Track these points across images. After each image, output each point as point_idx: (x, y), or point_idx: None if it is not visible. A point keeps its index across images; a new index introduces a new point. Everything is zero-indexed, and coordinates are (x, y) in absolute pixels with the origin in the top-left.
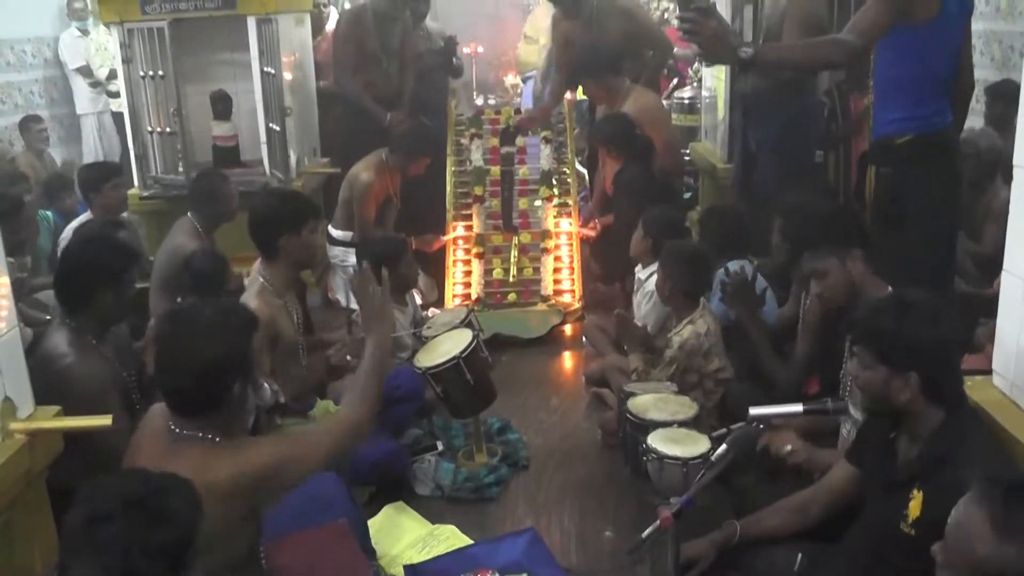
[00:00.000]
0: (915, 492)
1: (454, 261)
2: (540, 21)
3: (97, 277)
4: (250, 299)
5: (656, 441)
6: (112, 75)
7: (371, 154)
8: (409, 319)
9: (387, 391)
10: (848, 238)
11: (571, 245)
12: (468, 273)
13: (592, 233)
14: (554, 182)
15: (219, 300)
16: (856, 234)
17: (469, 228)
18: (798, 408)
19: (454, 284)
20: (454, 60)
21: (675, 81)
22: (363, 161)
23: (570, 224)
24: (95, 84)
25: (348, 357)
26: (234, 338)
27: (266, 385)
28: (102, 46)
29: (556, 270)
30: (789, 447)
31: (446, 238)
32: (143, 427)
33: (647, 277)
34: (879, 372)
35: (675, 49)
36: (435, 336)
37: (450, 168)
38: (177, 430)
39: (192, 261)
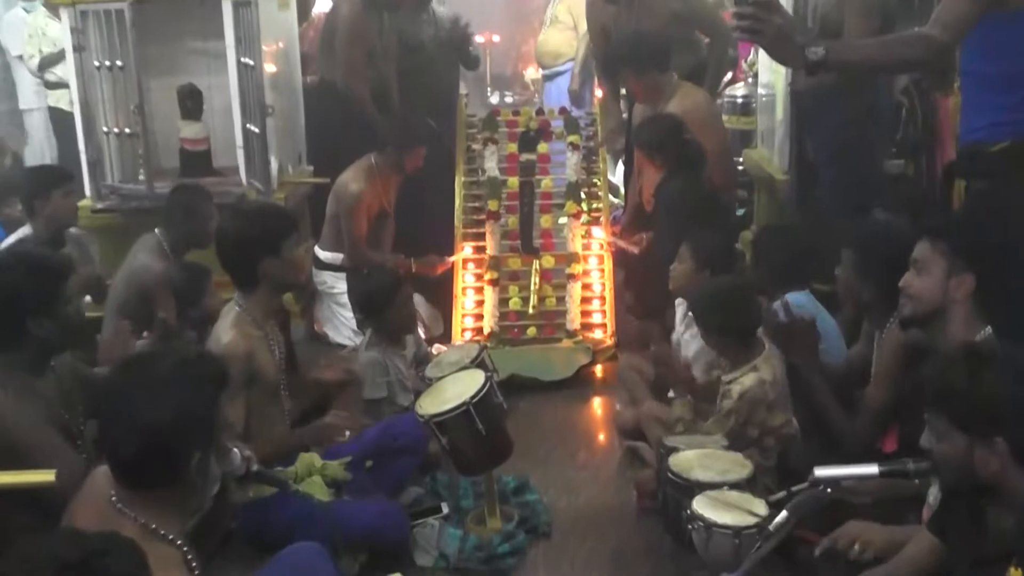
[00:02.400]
0: (1012, 570)
1: (463, 288)
2: (575, 2)
3: (23, 307)
4: (224, 331)
5: (703, 506)
6: (48, 62)
7: (359, 160)
8: (410, 359)
9: (384, 442)
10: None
11: (602, 270)
12: (480, 303)
13: (635, 248)
14: (583, 196)
15: (183, 347)
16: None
17: (481, 249)
18: (873, 469)
19: (463, 316)
20: (468, 50)
21: (728, 76)
22: (350, 169)
23: (602, 246)
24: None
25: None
26: (195, 399)
27: (235, 450)
28: (39, 30)
29: (584, 300)
30: (858, 548)
31: (453, 259)
32: (83, 491)
33: (684, 327)
34: (957, 441)
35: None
36: (441, 378)
37: (459, 178)
38: (118, 503)
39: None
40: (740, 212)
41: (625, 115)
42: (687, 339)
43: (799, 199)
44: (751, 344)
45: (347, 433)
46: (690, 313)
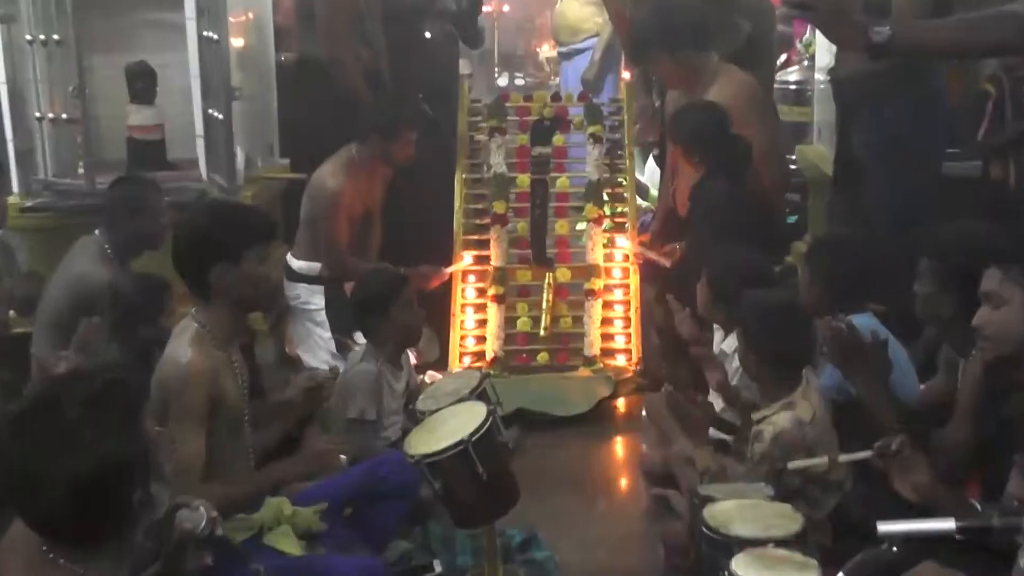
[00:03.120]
0: None
1: (462, 306)
2: None
3: None
4: (182, 349)
5: (744, 566)
6: None
7: (337, 152)
8: (400, 391)
9: (368, 485)
10: None
11: (627, 286)
12: (482, 323)
13: (667, 261)
14: (605, 198)
15: (102, 369)
16: None
17: (484, 259)
18: (949, 524)
19: (462, 337)
20: (472, 23)
21: (781, 58)
22: (328, 162)
23: (628, 258)
24: None
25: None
26: (116, 441)
27: (202, 509)
28: None
29: (606, 321)
30: None
31: (450, 271)
32: (10, 536)
33: (731, 349)
34: None
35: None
36: (435, 411)
37: (459, 175)
38: (49, 552)
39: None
40: (792, 219)
41: (657, 104)
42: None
43: (844, 206)
44: (791, 377)
45: (343, 458)
46: (731, 353)
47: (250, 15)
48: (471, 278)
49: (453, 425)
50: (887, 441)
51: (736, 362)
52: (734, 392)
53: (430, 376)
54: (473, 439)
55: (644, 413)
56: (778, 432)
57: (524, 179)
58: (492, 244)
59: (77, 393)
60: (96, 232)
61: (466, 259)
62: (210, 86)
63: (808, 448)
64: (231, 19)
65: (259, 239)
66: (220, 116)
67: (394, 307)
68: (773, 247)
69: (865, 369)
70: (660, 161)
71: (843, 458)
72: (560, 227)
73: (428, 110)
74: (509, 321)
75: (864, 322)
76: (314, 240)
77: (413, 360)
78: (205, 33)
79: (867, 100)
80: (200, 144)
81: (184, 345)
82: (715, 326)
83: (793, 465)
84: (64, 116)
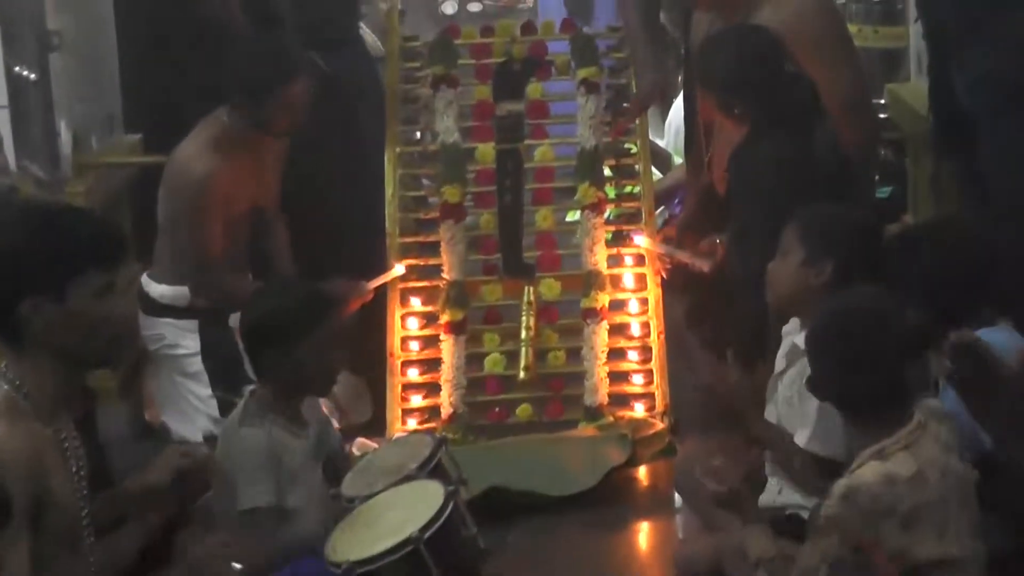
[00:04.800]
0: None
1: (404, 340)
2: None
3: None
4: None
5: None
6: None
7: (202, 123)
8: (310, 443)
9: None
10: None
11: (645, 301)
12: (432, 364)
13: (704, 263)
14: (607, 172)
15: None
16: None
17: (432, 270)
18: None
19: (404, 387)
20: None
21: None
22: (189, 138)
23: (644, 260)
24: None
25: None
26: None
27: None
28: None
29: (615, 354)
30: None
31: (376, 283)
32: None
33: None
34: None
35: None
36: (369, 496)
37: (392, 149)
38: None
39: None
40: (884, 192)
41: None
42: (788, 384)
43: (952, 176)
44: (892, 412)
45: (236, 567)
46: (797, 341)
47: None
48: (414, 300)
49: (397, 517)
50: None
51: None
52: (802, 474)
53: (360, 446)
54: (426, 536)
55: (676, 485)
56: (853, 488)
57: (487, 151)
58: (443, 248)
59: None
60: None
61: (399, 269)
62: (15, 34)
63: (904, 520)
64: None
65: (94, 261)
66: (33, 76)
67: (307, 341)
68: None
69: (1009, 408)
70: (689, 117)
71: None
72: (542, 219)
73: (319, 60)
74: (473, 360)
75: (998, 339)
76: (179, 253)
77: (335, 422)
78: None
79: (971, 22)
80: (4, 117)
81: None
82: (785, 329)
83: None
84: None
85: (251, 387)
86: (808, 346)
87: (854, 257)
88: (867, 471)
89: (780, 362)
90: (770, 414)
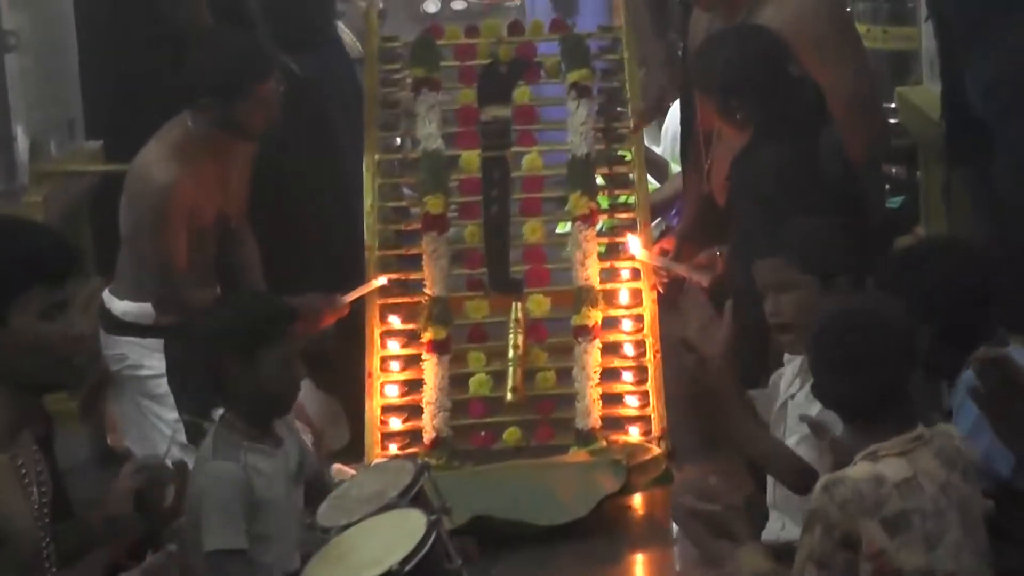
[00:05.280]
0: None
1: (383, 360)
2: None
3: None
4: None
5: None
6: None
7: (165, 127)
8: (292, 466)
9: None
10: None
11: (640, 318)
12: (414, 386)
13: (704, 278)
14: (600, 181)
15: None
16: None
17: (413, 287)
18: None
19: (383, 410)
20: None
21: None
22: (152, 144)
23: (640, 274)
24: None
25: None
26: None
27: None
28: None
29: (609, 375)
30: None
31: (351, 297)
32: None
33: (798, 382)
34: None
35: None
36: (347, 526)
37: (370, 157)
38: None
39: None
40: (895, 202)
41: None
42: (799, 406)
43: (963, 186)
44: (890, 422)
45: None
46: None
47: None
48: (394, 318)
49: (375, 548)
50: None
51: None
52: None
53: (336, 472)
54: (407, 569)
55: (673, 514)
56: (836, 479)
57: (471, 158)
58: (425, 262)
59: None
60: None
61: (380, 280)
62: None
63: (890, 523)
64: None
65: (39, 278)
66: None
67: (265, 354)
68: (866, 247)
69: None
70: (686, 122)
71: None
72: (531, 231)
73: (292, 63)
74: (457, 381)
75: (1018, 357)
76: (143, 267)
77: (309, 444)
78: None
79: (984, 26)
80: None
81: None
82: (786, 358)
83: None
84: None
85: (220, 411)
86: (808, 350)
87: (861, 262)
88: (855, 469)
89: (788, 385)
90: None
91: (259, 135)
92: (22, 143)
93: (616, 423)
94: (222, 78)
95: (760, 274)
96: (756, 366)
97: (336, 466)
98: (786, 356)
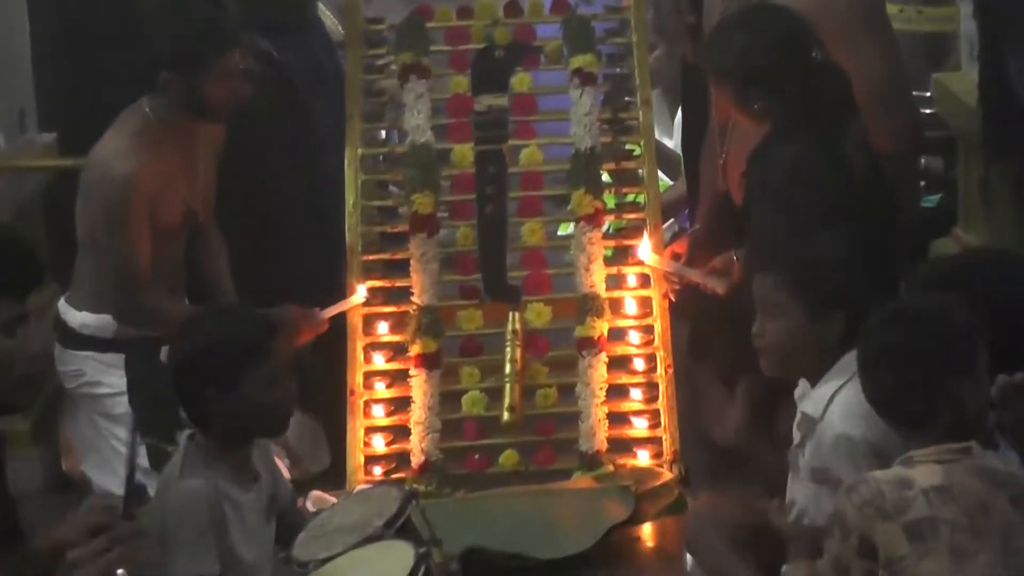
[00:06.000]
0: None
1: (367, 375)
2: None
3: None
4: None
5: None
6: None
7: (122, 115)
8: (262, 503)
9: None
10: None
11: (649, 329)
12: (401, 404)
13: (720, 285)
14: (606, 178)
15: None
16: None
17: (401, 294)
18: None
19: (367, 431)
20: None
21: None
22: (109, 133)
23: (650, 281)
24: None
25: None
26: None
27: None
28: None
29: (615, 392)
30: None
31: (332, 312)
32: None
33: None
34: None
35: None
36: (326, 560)
37: (353, 151)
38: None
39: None
40: (931, 201)
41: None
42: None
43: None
44: (940, 430)
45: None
46: (807, 411)
47: None
48: (380, 326)
49: None
50: None
51: (834, 427)
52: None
53: (315, 500)
54: None
55: (687, 545)
56: (858, 480)
57: (464, 152)
58: (413, 267)
59: None
60: None
61: (360, 292)
62: None
63: (912, 529)
64: None
65: (10, 289)
66: None
67: (249, 378)
68: (897, 252)
69: None
70: (691, 112)
71: None
72: (530, 233)
73: (271, 50)
74: (449, 399)
75: None
76: (102, 273)
77: (284, 471)
78: None
79: None
80: None
81: None
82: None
83: None
84: None
85: (188, 432)
86: (859, 342)
87: (866, 293)
88: (890, 474)
89: (796, 433)
90: (794, 490)
91: (225, 116)
92: None
93: (624, 445)
94: (181, 48)
95: (754, 288)
96: (771, 392)
97: (315, 493)
98: (796, 394)
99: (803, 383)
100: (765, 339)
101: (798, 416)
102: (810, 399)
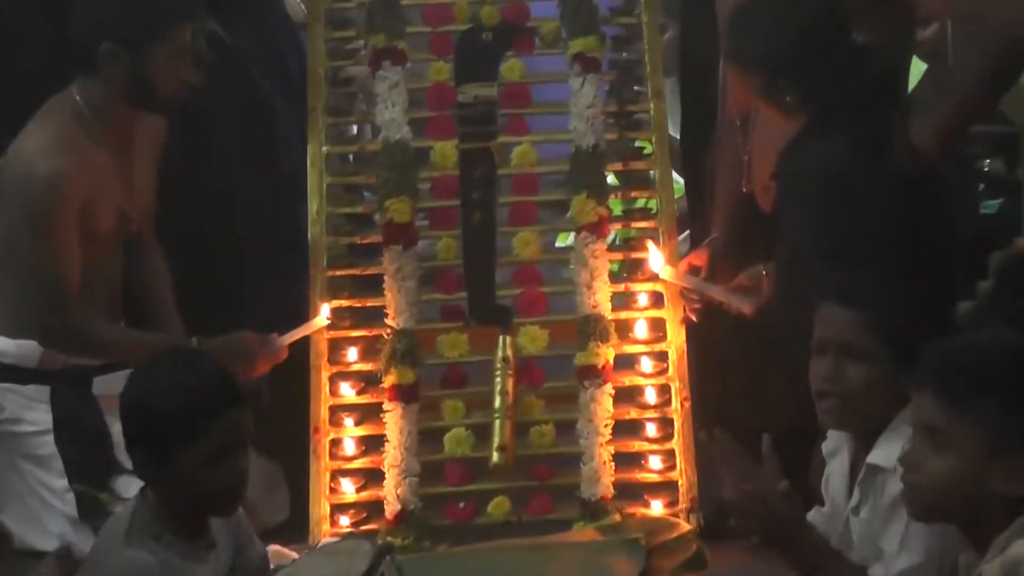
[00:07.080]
0: None
1: (333, 409)
2: None
3: None
4: None
5: None
6: None
7: (47, 105)
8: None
9: None
10: None
11: (663, 356)
12: (372, 445)
13: (747, 304)
14: (611, 180)
15: None
16: None
17: (372, 316)
18: None
19: (334, 476)
20: None
21: None
22: (31, 127)
23: (664, 301)
24: None
25: None
26: None
27: None
28: None
29: (623, 429)
30: None
31: (292, 339)
32: None
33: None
34: None
35: None
36: None
37: (316, 149)
38: None
39: None
40: (991, 206)
41: None
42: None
43: None
44: None
45: None
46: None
47: None
48: (349, 352)
49: None
50: None
51: (890, 487)
52: None
53: (274, 555)
54: None
55: None
56: (1014, 561)
57: (446, 151)
58: (387, 284)
59: None
60: None
61: (324, 313)
62: None
63: None
64: None
65: None
66: None
67: (185, 455)
68: (950, 265)
69: None
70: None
71: None
72: (523, 245)
73: (217, 28)
74: (429, 437)
75: None
76: (24, 291)
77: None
78: None
79: None
80: None
81: None
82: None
83: None
84: None
85: (142, 486)
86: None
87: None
88: (1018, 550)
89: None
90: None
91: (168, 107)
92: None
93: (633, 491)
94: (130, 13)
95: (823, 324)
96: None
97: (272, 547)
98: (825, 449)
99: (834, 435)
100: (843, 385)
101: (844, 466)
102: (881, 450)
